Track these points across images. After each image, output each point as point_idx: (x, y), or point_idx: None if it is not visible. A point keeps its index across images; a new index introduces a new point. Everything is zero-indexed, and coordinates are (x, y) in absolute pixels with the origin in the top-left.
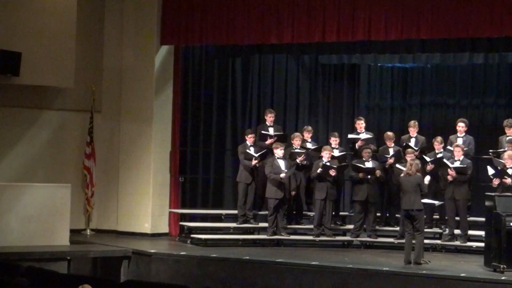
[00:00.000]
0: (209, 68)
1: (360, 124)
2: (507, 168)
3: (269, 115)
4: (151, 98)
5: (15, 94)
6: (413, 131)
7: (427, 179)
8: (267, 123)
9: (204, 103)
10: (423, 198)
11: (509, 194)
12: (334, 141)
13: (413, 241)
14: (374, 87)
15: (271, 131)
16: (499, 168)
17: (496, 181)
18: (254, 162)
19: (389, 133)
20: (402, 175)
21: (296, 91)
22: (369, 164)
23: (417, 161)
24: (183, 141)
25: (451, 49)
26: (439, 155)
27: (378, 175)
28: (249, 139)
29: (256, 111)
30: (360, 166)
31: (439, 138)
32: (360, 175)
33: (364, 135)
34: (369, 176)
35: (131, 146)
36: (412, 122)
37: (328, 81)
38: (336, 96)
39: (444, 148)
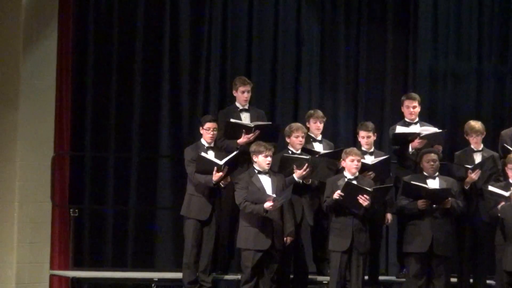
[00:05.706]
0: (125, 1)
1: (412, 106)
2: None
3: (240, 88)
4: (16, 61)
5: None
6: None
7: None
8: (237, 103)
9: (116, 69)
10: None
11: None
12: (366, 137)
13: None
14: (444, 35)
15: (245, 118)
16: None
17: None
18: (216, 176)
19: (474, 124)
20: (502, 204)
21: (296, 42)
22: (434, 183)
23: None
24: (78, 141)
25: None
26: None
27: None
28: (207, 134)
29: (217, 81)
30: (422, 186)
31: None
32: (419, 203)
33: (422, 128)
34: (434, 206)
35: None
36: None
37: (356, 24)
38: (371, 53)
39: None
